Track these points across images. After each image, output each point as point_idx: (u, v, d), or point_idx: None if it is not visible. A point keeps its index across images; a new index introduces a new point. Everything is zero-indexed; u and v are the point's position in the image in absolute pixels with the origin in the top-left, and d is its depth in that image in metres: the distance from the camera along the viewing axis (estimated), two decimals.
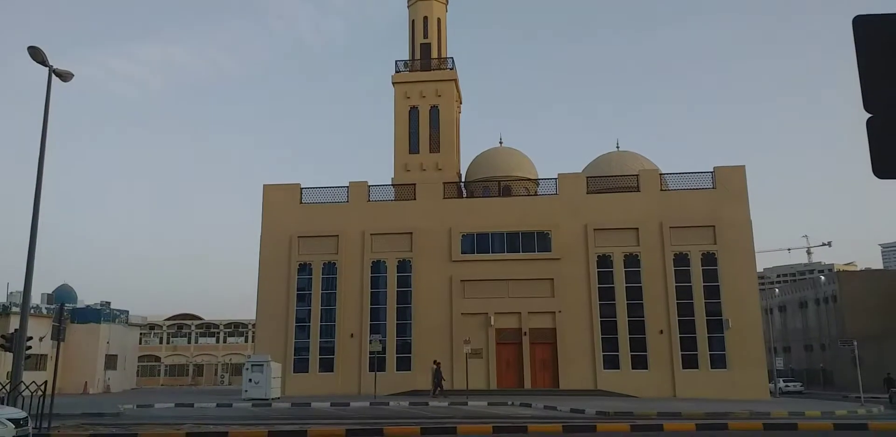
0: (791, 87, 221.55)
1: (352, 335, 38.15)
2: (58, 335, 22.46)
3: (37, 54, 18.63)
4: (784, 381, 51.54)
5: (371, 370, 36.11)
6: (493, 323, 37.42)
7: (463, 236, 38.96)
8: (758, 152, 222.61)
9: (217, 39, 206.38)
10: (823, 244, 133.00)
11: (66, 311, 23.96)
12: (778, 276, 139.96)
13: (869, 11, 3.81)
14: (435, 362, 35.68)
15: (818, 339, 65.69)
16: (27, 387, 15.27)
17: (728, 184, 37.73)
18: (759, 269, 44.86)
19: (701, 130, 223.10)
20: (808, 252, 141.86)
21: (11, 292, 55.05)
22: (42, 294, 54.84)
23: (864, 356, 35.54)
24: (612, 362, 36.37)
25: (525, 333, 37.29)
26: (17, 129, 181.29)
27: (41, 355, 42.65)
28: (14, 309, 40.36)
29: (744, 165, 38.03)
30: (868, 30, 3.76)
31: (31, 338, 20.77)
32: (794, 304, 70.88)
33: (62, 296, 52.49)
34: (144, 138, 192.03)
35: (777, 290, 78.59)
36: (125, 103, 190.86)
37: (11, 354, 19.38)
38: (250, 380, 33.22)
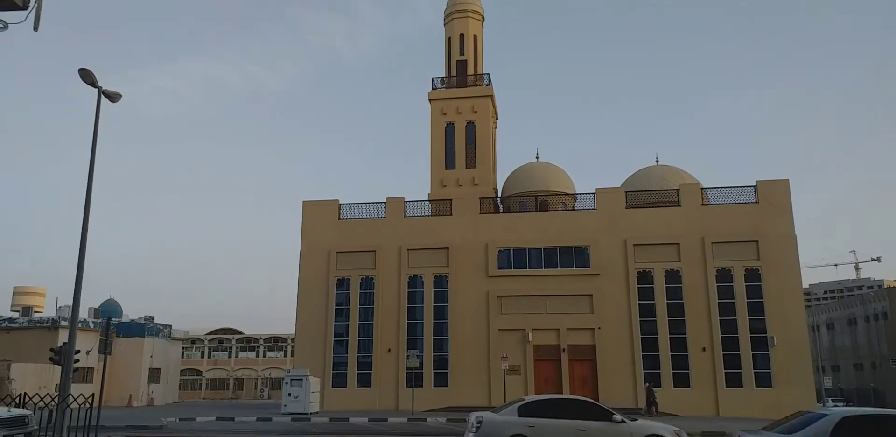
0: (838, 98, 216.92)
1: (389, 350, 38.22)
2: (104, 349, 23.04)
3: (87, 76, 19.14)
4: (833, 401, 50.06)
5: (408, 385, 36.11)
6: (530, 339, 37.14)
7: (500, 251, 38.86)
8: (802, 165, 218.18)
9: (253, 55, 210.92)
10: (872, 260, 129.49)
11: (112, 325, 24.53)
12: (825, 292, 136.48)
13: None
14: (647, 381, 35.19)
15: (868, 357, 63.65)
16: (75, 399, 15.61)
17: (771, 198, 37.01)
18: (805, 285, 43.78)
19: (743, 143, 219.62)
20: (856, 268, 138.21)
21: (60, 307, 56.75)
22: (89, 309, 56.31)
23: None
24: (653, 380, 35.65)
25: (564, 349, 36.89)
26: (68, 145, 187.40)
27: (88, 367, 43.67)
28: (63, 323, 41.44)
29: (787, 179, 37.28)
30: None
31: (78, 351, 21.31)
32: (843, 321, 68.88)
33: (108, 310, 53.81)
34: (186, 155, 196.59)
35: (825, 306, 76.51)
36: (167, 120, 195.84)
37: (60, 367, 19.87)
38: (290, 394, 33.55)
